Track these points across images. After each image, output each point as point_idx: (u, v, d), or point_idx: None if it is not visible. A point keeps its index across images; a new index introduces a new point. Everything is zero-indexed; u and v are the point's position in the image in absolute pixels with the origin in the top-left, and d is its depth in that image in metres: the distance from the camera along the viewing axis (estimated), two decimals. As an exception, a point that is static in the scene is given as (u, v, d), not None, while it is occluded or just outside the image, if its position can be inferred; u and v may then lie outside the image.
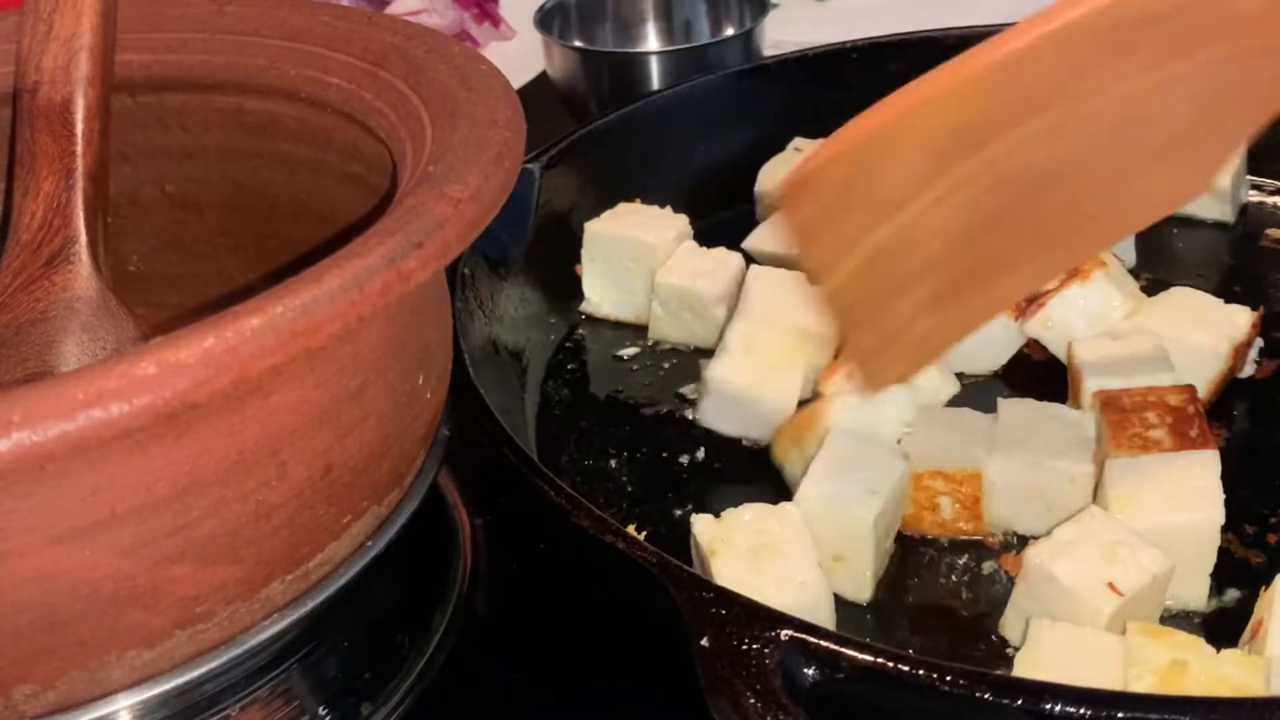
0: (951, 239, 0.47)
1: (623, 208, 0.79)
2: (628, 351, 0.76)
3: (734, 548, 0.54)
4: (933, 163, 0.45)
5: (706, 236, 0.78)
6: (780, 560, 0.54)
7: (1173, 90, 0.45)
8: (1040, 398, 0.64)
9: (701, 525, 0.56)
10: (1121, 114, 0.46)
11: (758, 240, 0.80)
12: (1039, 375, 0.71)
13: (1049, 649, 0.50)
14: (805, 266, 0.48)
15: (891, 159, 0.45)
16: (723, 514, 0.56)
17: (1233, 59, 0.45)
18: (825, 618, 0.54)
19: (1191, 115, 0.46)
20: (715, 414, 0.69)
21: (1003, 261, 0.49)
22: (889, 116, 0.44)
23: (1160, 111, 0.46)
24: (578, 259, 0.78)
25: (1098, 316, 0.69)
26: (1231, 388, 0.68)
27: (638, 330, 0.78)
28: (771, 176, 0.85)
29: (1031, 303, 0.70)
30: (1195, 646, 0.50)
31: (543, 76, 1.07)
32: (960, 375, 0.69)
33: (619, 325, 0.78)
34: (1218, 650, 0.50)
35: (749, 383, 0.67)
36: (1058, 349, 0.70)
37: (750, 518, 0.55)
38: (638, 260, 0.76)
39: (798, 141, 0.86)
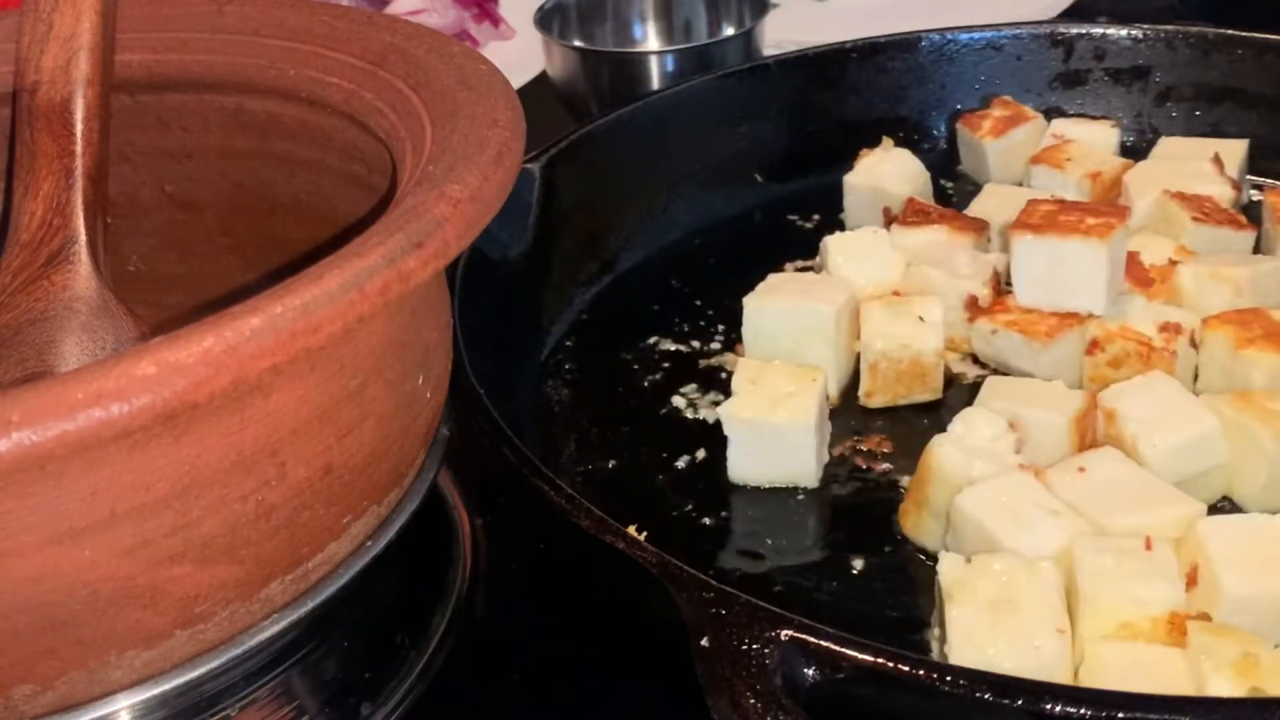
0: None
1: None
2: (628, 351, 0.76)
3: (975, 595, 0.52)
4: None
5: (706, 236, 0.78)
6: (1019, 618, 0.51)
7: None
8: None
9: (948, 564, 0.53)
10: None
11: None
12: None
13: (1111, 669, 0.50)
14: None
15: None
16: (973, 558, 0.53)
17: None
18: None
19: None
20: (741, 462, 0.65)
21: None
22: None
23: None
24: (578, 258, 0.78)
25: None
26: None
27: (637, 330, 0.78)
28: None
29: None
30: (1258, 642, 0.50)
31: (543, 76, 1.07)
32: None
33: (619, 325, 0.78)
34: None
35: (763, 415, 0.64)
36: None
37: (1000, 567, 0.53)
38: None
39: None
